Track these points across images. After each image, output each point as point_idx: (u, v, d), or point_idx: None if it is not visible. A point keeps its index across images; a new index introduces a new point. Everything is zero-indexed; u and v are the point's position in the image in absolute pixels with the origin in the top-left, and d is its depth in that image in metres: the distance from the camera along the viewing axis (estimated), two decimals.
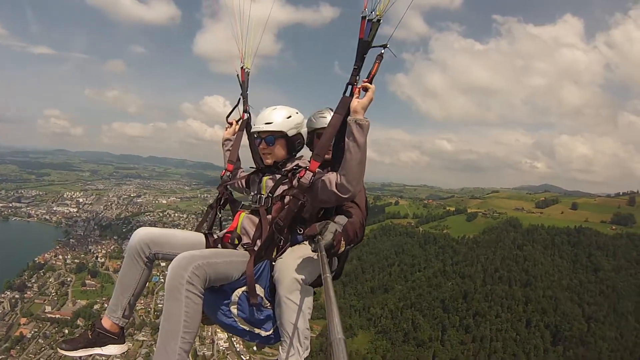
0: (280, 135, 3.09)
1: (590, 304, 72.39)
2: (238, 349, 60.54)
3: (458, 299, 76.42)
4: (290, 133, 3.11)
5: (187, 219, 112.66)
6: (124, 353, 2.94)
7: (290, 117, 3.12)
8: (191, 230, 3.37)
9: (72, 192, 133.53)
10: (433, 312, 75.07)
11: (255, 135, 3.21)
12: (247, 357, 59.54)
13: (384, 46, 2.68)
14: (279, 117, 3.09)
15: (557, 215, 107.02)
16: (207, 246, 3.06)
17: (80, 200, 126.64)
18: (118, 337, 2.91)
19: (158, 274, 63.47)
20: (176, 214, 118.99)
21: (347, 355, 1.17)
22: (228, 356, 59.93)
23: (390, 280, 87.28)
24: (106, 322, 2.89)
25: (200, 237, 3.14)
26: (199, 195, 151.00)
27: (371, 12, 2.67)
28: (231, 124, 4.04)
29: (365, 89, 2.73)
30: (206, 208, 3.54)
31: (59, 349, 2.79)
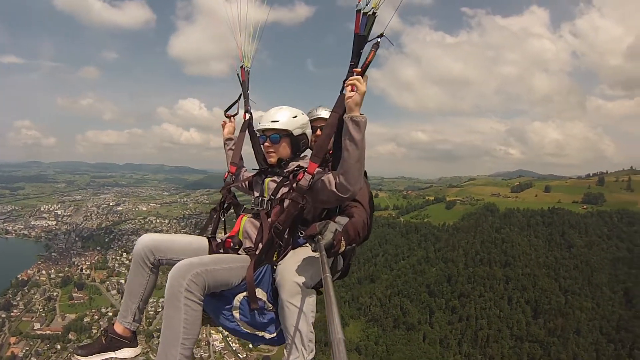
0: (285, 134, 3.09)
1: (566, 279, 75.71)
2: (234, 348, 60.51)
3: (443, 283, 78.60)
4: (296, 132, 3.11)
5: (169, 224, 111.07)
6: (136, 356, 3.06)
7: (296, 117, 3.13)
8: (195, 234, 3.40)
9: (49, 205, 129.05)
10: (420, 297, 77.06)
11: (260, 134, 3.19)
12: (244, 356, 59.64)
13: (381, 35, 2.60)
14: (285, 116, 3.10)
15: (531, 198, 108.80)
16: (210, 251, 3.07)
17: (59, 212, 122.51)
18: (130, 341, 3.02)
19: None
20: (157, 220, 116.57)
21: (347, 355, 1.16)
22: (225, 356, 59.90)
23: (376, 270, 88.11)
24: (118, 327, 3.00)
25: (204, 241, 3.14)
26: (179, 200, 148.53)
27: (366, 5, 2.57)
28: (229, 117, 4.03)
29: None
30: (209, 212, 3.52)
31: (75, 355, 2.89)
